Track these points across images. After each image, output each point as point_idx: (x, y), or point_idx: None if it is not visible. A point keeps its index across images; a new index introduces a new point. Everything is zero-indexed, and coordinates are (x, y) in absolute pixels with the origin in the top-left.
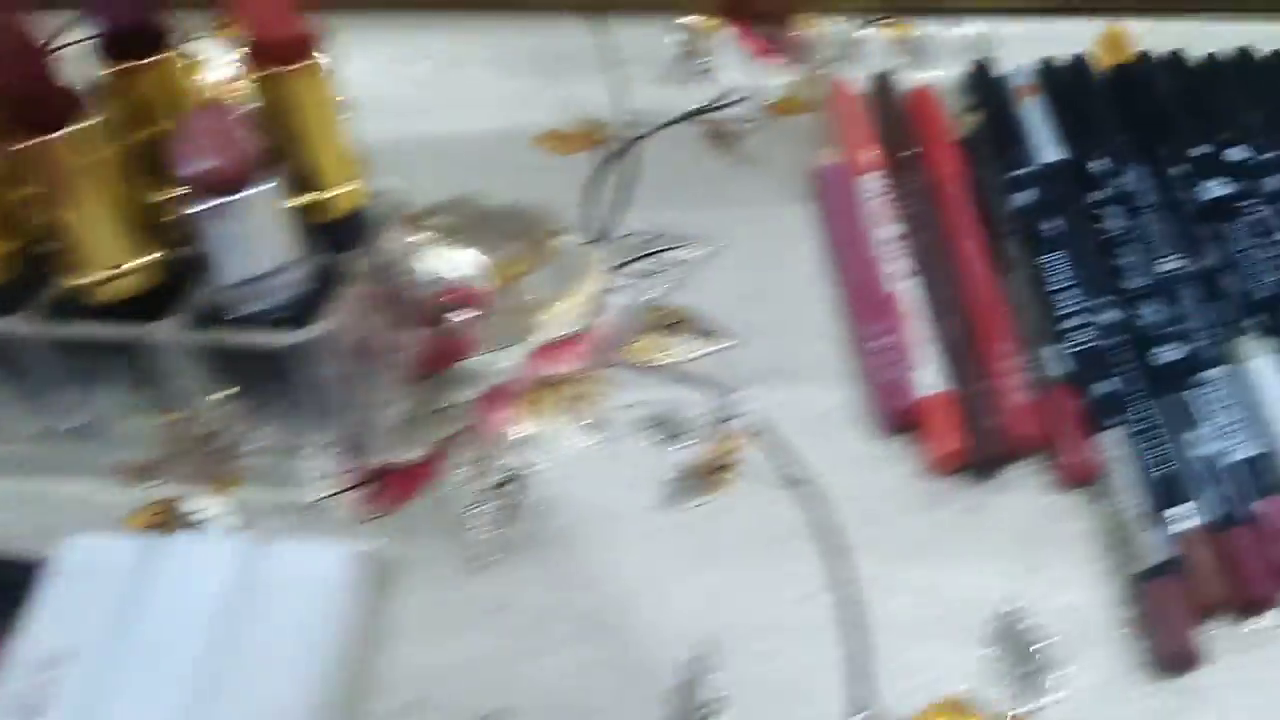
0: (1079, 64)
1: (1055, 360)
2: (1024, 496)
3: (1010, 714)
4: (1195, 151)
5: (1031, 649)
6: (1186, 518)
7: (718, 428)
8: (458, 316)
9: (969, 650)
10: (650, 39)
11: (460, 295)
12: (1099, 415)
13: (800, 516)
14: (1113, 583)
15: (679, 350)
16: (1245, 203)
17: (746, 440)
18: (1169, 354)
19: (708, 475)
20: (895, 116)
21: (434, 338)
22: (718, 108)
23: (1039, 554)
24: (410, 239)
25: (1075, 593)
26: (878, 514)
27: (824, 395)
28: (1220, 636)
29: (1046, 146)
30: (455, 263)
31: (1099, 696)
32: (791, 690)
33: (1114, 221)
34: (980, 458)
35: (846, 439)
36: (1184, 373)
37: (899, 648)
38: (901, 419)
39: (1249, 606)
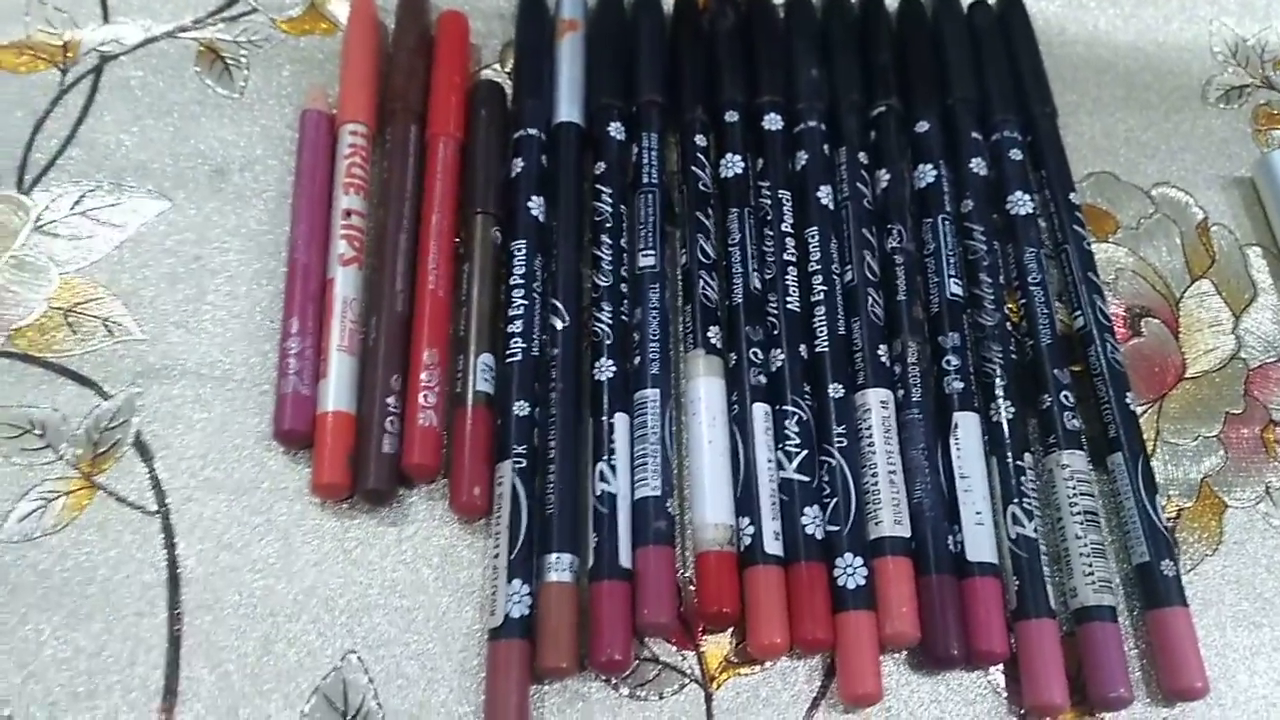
0: None
1: (484, 373)
2: (416, 529)
3: None
4: (730, 116)
5: (357, 708)
6: (558, 569)
7: (97, 437)
8: None
9: (291, 709)
10: None
11: None
12: (506, 441)
13: (159, 554)
14: (479, 637)
15: (70, 340)
16: (763, 184)
17: (124, 453)
18: (607, 370)
19: (69, 497)
20: (408, 49)
21: None
22: (217, 22)
23: (391, 601)
24: None
25: (433, 647)
26: (234, 542)
27: (229, 402)
28: (561, 698)
29: (566, 102)
30: None
31: None
32: None
33: (605, 203)
34: (369, 488)
35: (243, 454)
36: (620, 392)
37: (220, 707)
38: (295, 438)
39: (606, 668)
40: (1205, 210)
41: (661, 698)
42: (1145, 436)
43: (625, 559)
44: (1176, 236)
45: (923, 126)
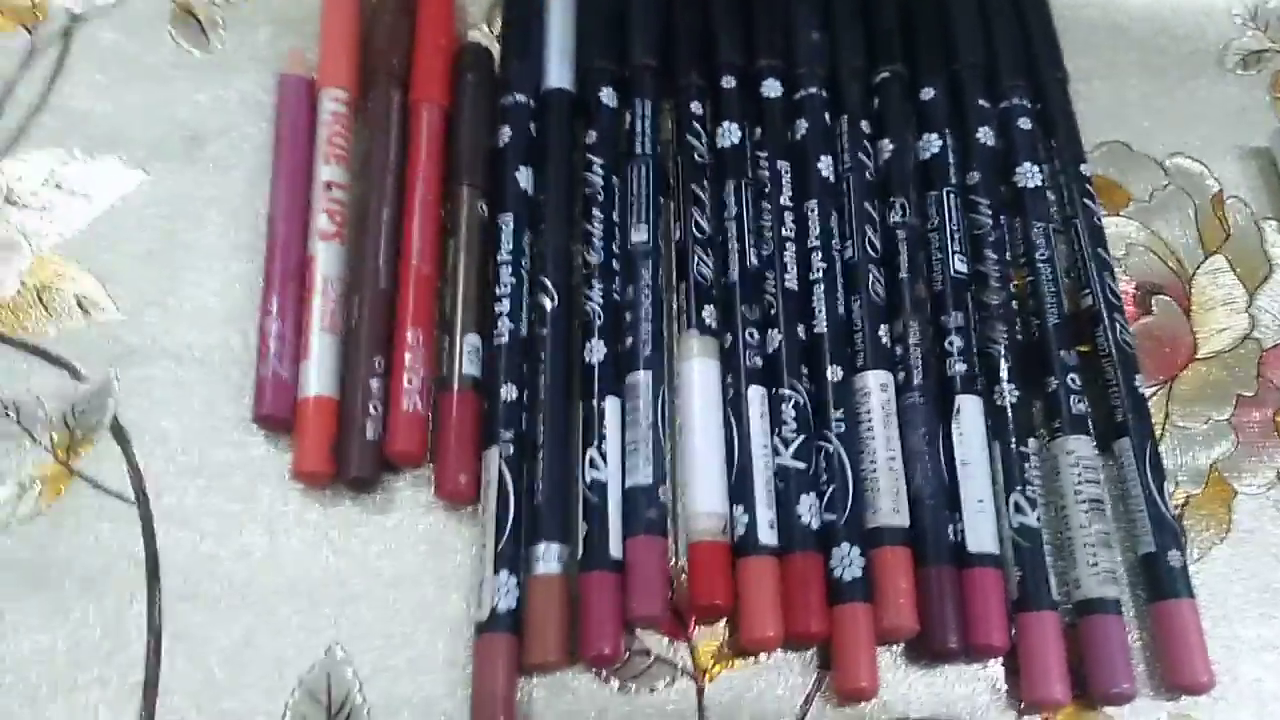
0: None
1: (471, 354)
2: (402, 518)
3: None
4: (728, 82)
5: (342, 702)
6: (546, 559)
7: (73, 422)
8: None
9: (274, 702)
10: None
11: None
12: (493, 427)
13: (138, 544)
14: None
15: (45, 320)
16: (761, 154)
17: (101, 439)
18: (598, 352)
19: (46, 483)
20: (391, 8)
21: None
22: None
23: (376, 592)
24: None
25: (419, 639)
26: (215, 530)
27: (208, 384)
28: (549, 690)
29: (556, 66)
30: None
31: None
32: None
33: (596, 174)
34: (353, 475)
35: (223, 438)
36: (610, 375)
37: (203, 700)
38: (275, 423)
39: (596, 662)
40: (1220, 182)
41: (653, 691)
42: (1154, 420)
43: (616, 549)
44: (1190, 210)
45: (928, 93)
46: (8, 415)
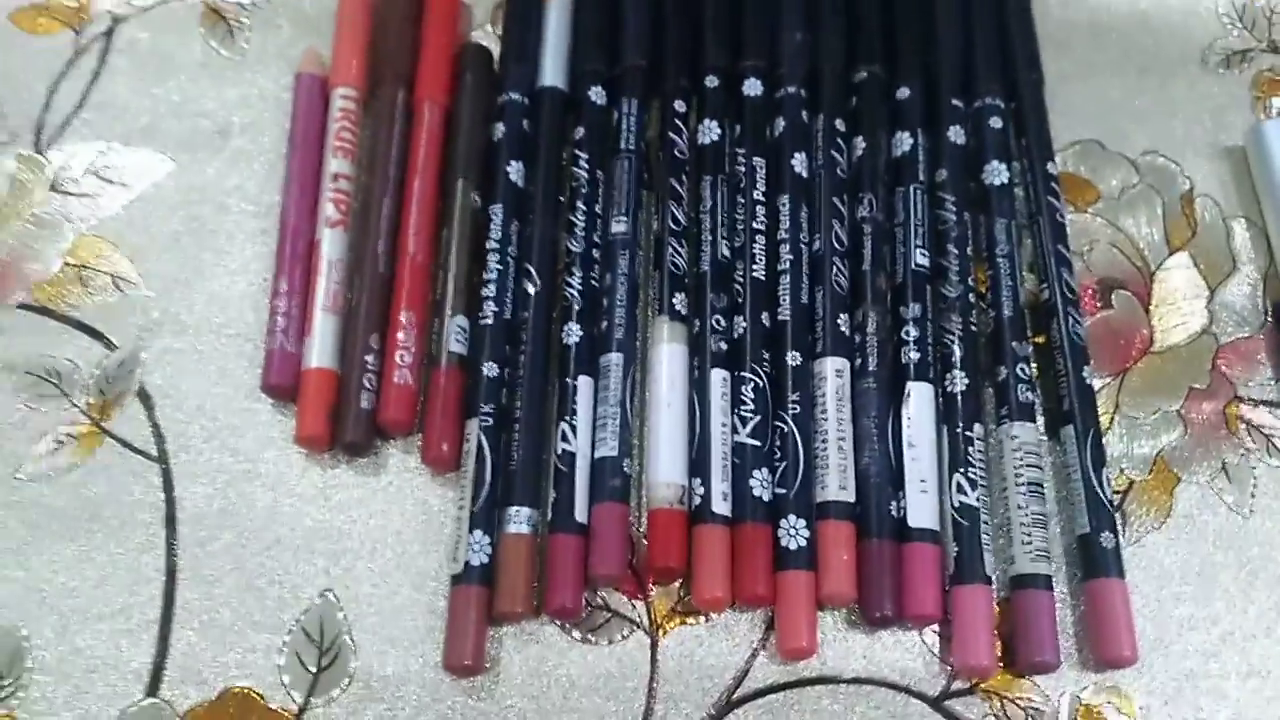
0: None
1: (458, 334)
2: (391, 480)
3: (299, 707)
4: (711, 82)
5: (332, 641)
6: (517, 521)
7: (104, 386)
8: None
9: (272, 639)
10: None
11: None
12: (475, 400)
13: (159, 495)
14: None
15: (82, 295)
16: (739, 151)
17: (129, 402)
18: (574, 334)
19: (80, 440)
20: (399, 11)
21: None
22: None
23: (366, 545)
24: None
25: (403, 589)
26: (226, 486)
27: (223, 356)
28: (517, 640)
29: (551, 66)
30: None
31: (394, 693)
32: (99, 673)
33: (582, 169)
34: (348, 440)
35: (235, 405)
36: (585, 356)
37: (211, 634)
38: (281, 392)
39: (558, 615)
40: (1192, 180)
41: (611, 643)
42: (1104, 409)
43: (581, 514)
44: (1158, 207)
45: (904, 93)
46: (50, 380)
